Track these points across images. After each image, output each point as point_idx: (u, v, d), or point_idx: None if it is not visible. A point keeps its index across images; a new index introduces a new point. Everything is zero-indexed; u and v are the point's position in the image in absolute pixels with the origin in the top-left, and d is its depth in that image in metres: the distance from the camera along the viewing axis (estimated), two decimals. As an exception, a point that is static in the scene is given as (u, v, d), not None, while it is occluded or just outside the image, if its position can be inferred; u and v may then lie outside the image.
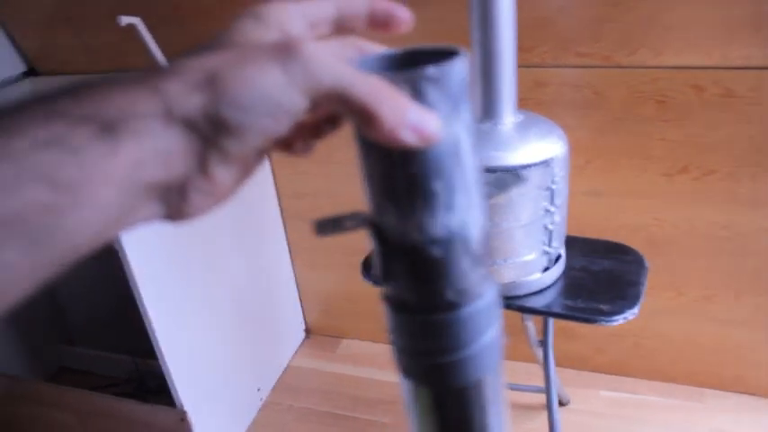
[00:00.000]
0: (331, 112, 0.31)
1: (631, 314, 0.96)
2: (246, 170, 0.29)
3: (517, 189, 0.92)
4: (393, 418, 1.56)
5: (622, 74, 1.25)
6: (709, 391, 1.53)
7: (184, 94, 0.24)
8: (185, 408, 1.35)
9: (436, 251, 0.29)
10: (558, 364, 1.16)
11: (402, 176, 0.28)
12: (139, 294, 1.21)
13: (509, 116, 0.97)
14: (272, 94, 0.24)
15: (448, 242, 0.29)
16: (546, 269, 1.01)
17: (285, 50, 0.25)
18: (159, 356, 1.29)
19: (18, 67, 1.67)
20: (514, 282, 0.99)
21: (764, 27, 1.13)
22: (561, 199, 0.98)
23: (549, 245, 0.99)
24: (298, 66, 0.24)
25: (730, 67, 1.19)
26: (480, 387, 0.33)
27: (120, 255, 1.18)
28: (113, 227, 0.25)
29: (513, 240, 0.95)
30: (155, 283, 1.24)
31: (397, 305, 0.31)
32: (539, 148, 0.94)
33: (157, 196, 0.26)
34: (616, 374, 1.60)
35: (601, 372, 1.61)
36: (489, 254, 0.32)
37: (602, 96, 1.29)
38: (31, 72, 1.69)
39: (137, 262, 1.19)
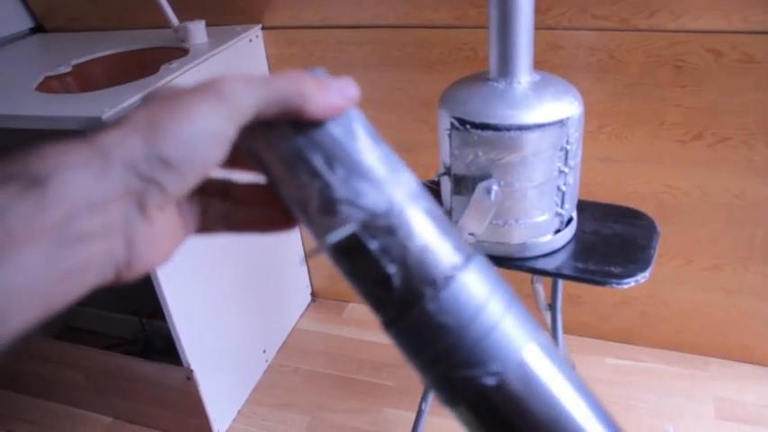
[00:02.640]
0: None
1: (642, 277, 0.95)
2: (185, 228, 0.32)
3: (531, 149, 0.91)
4: (397, 381, 1.57)
5: (639, 37, 1.23)
6: (714, 359, 1.53)
7: (123, 138, 0.25)
8: (192, 367, 1.36)
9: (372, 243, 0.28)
10: (564, 331, 1.16)
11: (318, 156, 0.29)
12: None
13: (525, 75, 0.96)
14: (206, 127, 0.27)
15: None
16: (557, 231, 1.00)
17: (206, 88, 0.27)
18: (167, 315, 1.29)
19: (25, 22, 1.65)
20: (525, 243, 0.99)
21: (787, -10, 1.11)
22: (575, 160, 0.97)
23: (562, 206, 0.98)
24: (221, 100, 0.27)
25: (750, 32, 1.17)
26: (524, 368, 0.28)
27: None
28: (51, 296, 0.24)
29: (526, 201, 0.94)
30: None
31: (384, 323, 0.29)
32: (554, 107, 0.92)
33: (102, 254, 0.26)
34: (622, 342, 1.60)
35: (606, 339, 1.61)
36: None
37: (618, 60, 1.26)
38: (38, 29, 1.67)
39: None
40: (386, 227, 0.28)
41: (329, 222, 0.28)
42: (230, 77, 0.28)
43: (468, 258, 0.29)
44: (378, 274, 0.28)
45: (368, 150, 0.29)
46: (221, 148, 0.27)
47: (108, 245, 0.26)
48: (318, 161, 0.29)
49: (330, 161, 0.29)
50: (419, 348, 0.28)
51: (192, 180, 0.27)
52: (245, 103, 0.27)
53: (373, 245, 0.28)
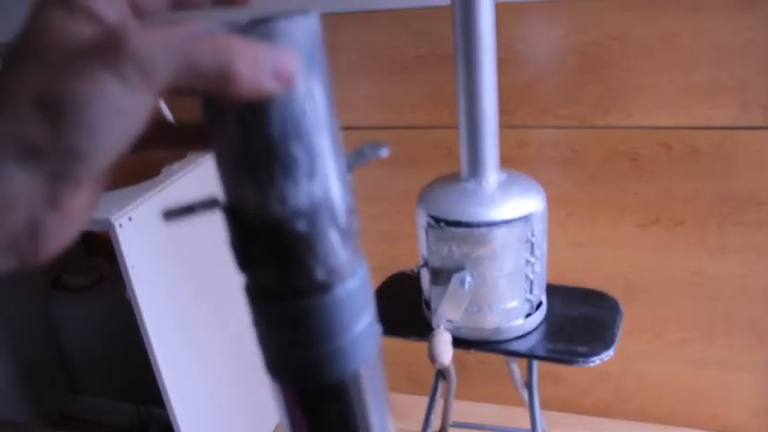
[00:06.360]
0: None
1: (607, 355, 1.04)
2: (99, 187, 0.27)
3: (500, 242, 1.01)
4: None
5: (598, 134, 1.37)
6: (688, 430, 1.60)
7: (18, 127, 0.21)
8: (189, 453, 1.41)
9: (301, 225, 0.27)
10: (544, 407, 1.23)
11: (258, 140, 0.25)
12: (149, 342, 1.28)
13: (492, 175, 1.07)
14: (115, 106, 0.22)
15: (313, 214, 0.27)
16: (528, 315, 1.10)
17: (110, 50, 0.22)
18: (166, 402, 1.34)
19: None
20: (499, 327, 1.08)
21: (721, 92, 1.25)
22: (541, 250, 1.08)
23: (531, 293, 1.08)
24: (129, 64, 0.21)
25: (695, 127, 1.30)
26: (358, 381, 0.30)
27: (132, 306, 1.25)
28: None
29: (497, 289, 1.04)
30: (163, 331, 1.31)
31: (261, 293, 0.29)
32: (519, 204, 1.03)
33: None
34: (600, 416, 1.67)
35: (586, 414, 1.68)
36: (357, 230, 0.30)
37: (580, 154, 1.39)
38: None
39: (148, 311, 1.26)
40: (318, 217, 0.27)
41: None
42: (139, 32, 0.22)
43: (359, 265, 0.30)
44: (304, 259, 0.28)
45: (321, 138, 0.26)
46: (133, 127, 0.23)
47: (7, 248, 0.23)
48: (277, 169, 0.26)
49: (288, 169, 0.26)
50: (296, 329, 0.29)
51: (102, 164, 0.23)
52: (159, 73, 0.22)
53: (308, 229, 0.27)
